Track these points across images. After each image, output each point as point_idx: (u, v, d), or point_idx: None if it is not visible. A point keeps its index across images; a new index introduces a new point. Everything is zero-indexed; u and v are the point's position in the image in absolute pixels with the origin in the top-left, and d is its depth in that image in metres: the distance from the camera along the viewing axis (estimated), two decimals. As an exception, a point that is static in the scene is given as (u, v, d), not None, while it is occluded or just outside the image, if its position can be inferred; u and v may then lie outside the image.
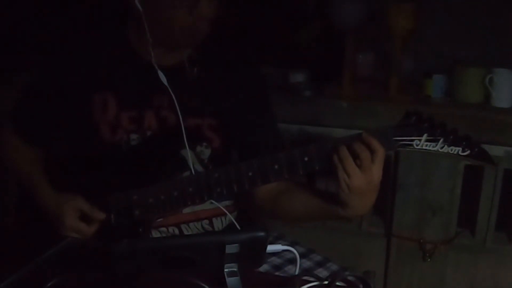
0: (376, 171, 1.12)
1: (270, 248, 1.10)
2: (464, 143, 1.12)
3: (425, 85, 2.27)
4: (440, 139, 1.11)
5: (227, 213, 1.42)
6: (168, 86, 1.30)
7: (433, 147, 1.12)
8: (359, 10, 2.17)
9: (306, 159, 1.15)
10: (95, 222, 1.27)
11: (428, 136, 1.11)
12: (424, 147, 1.12)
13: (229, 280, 1.03)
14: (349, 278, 1.20)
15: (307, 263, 1.39)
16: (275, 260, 1.37)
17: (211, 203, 1.39)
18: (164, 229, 1.38)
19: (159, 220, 1.36)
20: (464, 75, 2.20)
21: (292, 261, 1.30)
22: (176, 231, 1.39)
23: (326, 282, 1.14)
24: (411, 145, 1.12)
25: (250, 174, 1.19)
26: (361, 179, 1.11)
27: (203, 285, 1.04)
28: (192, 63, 1.36)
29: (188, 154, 1.32)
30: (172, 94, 1.30)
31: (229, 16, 1.36)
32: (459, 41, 2.36)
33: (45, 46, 1.47)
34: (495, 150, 2.00)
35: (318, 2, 2.62)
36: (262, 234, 1.02)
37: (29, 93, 1.44)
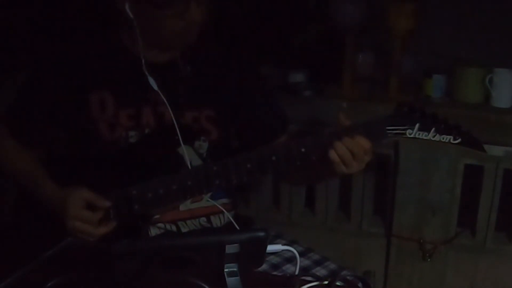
0: (368, 158, 1.23)
1: (270, 248, 1.10)
2: (455, 131, 1.17)
3: (425, 85, 2.27)
4: (432, 128, 1.16)
5: (224, 211, 1.42)
6: (157, 85, 1.32)
7: (425, 136, 1.16)
8: (359, 10, 2.17)
9: (303, 150, 1.20)
10: (99, 211, 1.27)
11: (420, 125, 1.16)
12: (416, 136, 1.17)
13: (229, 280, 1.03)
14: (349, 278, 1.21)
15: (305, 262, 1.39)
16: (274, 259, 1.38)
17: (208, 201, 1.40)
18: (161, 225, 1.38)
19: (156, 217, 1.36)
20: (464, 75, 2.20)
21: (291, 260, 1.30)
22: (174, 228, 1.40)
23: (326, 282, 1.14)
24: (404, 134, 1.18)
25: (248, 166, 1.20)
26: (356, 167, 1.24)
27: (203, 285, 1.04)
28: (185, 59, 1.37)
29: (183, 150, 1.33)
30: (159, 92, 1.32)
31: (229, 16, 1.36)
32: (459, 41, 2.35)
33: (40, 46, 1.47)
34: (495, 150, 2.00)
35: (318, 2, 2.61)
36: (262, 234, 1.03)
37: (24, 94, 1.43)
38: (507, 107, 2.13)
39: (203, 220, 1.42)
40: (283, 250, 1.19)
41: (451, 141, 1.17)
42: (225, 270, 1.04)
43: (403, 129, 1.17)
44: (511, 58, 2.21)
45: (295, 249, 1.16)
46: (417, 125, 1.16)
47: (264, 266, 1.33)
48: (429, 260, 2.22)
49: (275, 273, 1.33)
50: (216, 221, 1.44)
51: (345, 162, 1.21)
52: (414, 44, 2.29)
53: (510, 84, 2.13)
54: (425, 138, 1.17)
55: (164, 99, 1.32)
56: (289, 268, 1.34)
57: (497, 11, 2.33)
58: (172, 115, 1.32)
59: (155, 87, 1.32)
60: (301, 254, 1.38)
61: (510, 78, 2.12)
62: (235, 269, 1.04)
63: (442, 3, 2.39)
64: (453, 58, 2.27)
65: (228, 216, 1.44)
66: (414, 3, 2.13)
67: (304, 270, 1.34)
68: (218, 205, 1.41)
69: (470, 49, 2.32)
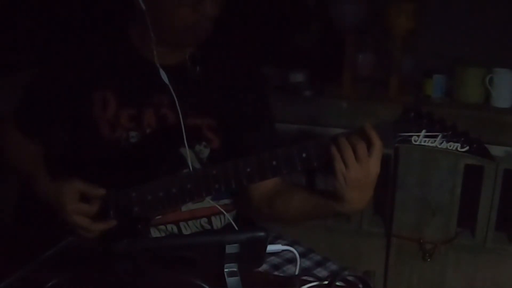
0: (374, 164, 1.12)
1: (270, 248, 1.10)
2: (462, 139, 1.11)
3: (425, 85, 2.27)
4: (438, 135, 1.11)
5: (225, 212, 1.42)
6: (169, 84, 1.31)
7: (431, 143, 1.11)
8: (359, 10, 2.18)
9: (304, 155, 1.15)
10: (96, 201, 1.27)
11: (426, 132, 1.11)
12: (422, 143, 1.11)
13: (229, 280, 1.03)
14: (349, 278, 1.20)
15: (306, 263, 1.39)
16: (274, 260, 1.37)
17: (209, 201, 1.40)
18: (162, 227, 1.38)
19: (157, 217, 1.36)
20: (464, 75, 2.20)
21: (291, 260, 1.30)
22: (175, 229, 1.39)
23: (326, 282, 1.14)
24: (410, 141, 1.12)
25: (248, 170, 1.19)
26: (359, 171, 1.11)
27: (203, 285, 1.04)
28: (193, 62, 1.36)
29: (187, 152, 1.33)
30: (173, 93, 1.31)
31: (230, 16, 1.36)
32: (459, 41, 2.36)
33: (47, 44, 1.47)
34: (495, 150, 2.00)
35: (318, 2, 2.62)
36: (262, 234, 1.02)
37: (32, 90, 1.45)
38: (507, 107, 2.14)
39: (204, 221, 1.42)
40: (283, 251, 1.18)
41: (458, 149, 1.11)
42: (225, 270, 1.04)
43: (409, 136, 1.11)
44: (511, 58, 2.21)
45: (295, 249, 1.16)
46: (423, 132, 1.10)
47: (264, 267, 1.32)
48: (429, 260, 2.22)
49: (275, 273, 1.33)
50: (216, 222, 1.44)
51: (344, 159, 1.11)
52: (414, 44, 2.30)
53: (510, 84, 2.13)
54: (431, 145, 1.11)
55: (174, 95, 1.30)
56: (290, 269, 1.33)
57: (497, 11, 2.33)
58: (180, 113, 1.31)
59: (166, 80, 1.30)
60: (302, 255, 1.38)
61: (510, 78, 2.13)
62: (235, 269, 1.04)
63: (442, 3, 2.40)
64: (453, 58, 2.27)
65: (228, 217, 1.43)
66: (414, 3, 2.13)
67: (305, 271, 1.33)
68: (218, 207, 1.40)
69: (470, 49, 2.32)
